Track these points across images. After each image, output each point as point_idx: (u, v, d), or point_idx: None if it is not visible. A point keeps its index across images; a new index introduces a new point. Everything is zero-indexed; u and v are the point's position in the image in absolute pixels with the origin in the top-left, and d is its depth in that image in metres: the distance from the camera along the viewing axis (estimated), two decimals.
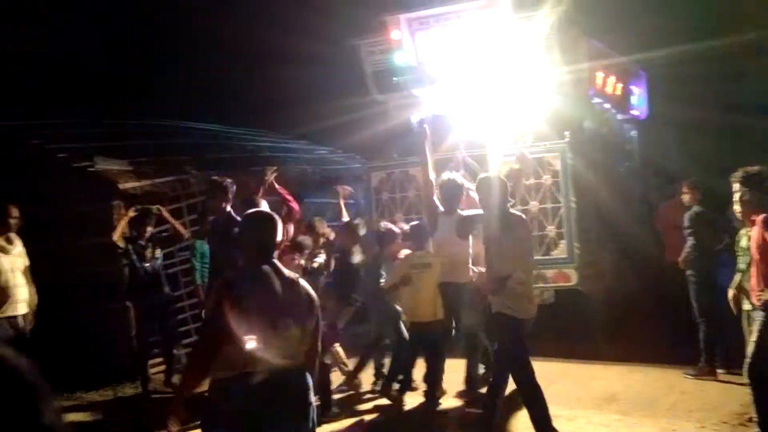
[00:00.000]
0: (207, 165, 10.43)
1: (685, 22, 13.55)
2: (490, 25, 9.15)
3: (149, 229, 8.55)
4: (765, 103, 12.65)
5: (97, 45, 13.31)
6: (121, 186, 8.92)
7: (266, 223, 3.96)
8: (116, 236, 8.36)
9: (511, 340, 5.98)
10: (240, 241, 4.07)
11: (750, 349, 5.54)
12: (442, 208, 7.12)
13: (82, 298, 8.79)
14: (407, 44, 9.78)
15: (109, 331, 8.83)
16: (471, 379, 7.62)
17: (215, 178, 7.96)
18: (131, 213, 8.52)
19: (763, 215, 5.37)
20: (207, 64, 14.42)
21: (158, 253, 8.61)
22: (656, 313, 10.10)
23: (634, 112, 11.95)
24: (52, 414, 1.34)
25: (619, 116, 11.76)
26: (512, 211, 6.31)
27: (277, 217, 4.02)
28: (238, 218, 6.27)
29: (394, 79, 10.15)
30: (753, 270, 5.59)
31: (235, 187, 7.76)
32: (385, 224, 8.37)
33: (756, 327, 5.55)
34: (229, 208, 7.59)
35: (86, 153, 9.32)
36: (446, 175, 7.36)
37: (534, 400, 5.90)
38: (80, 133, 10.30)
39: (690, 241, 7.99)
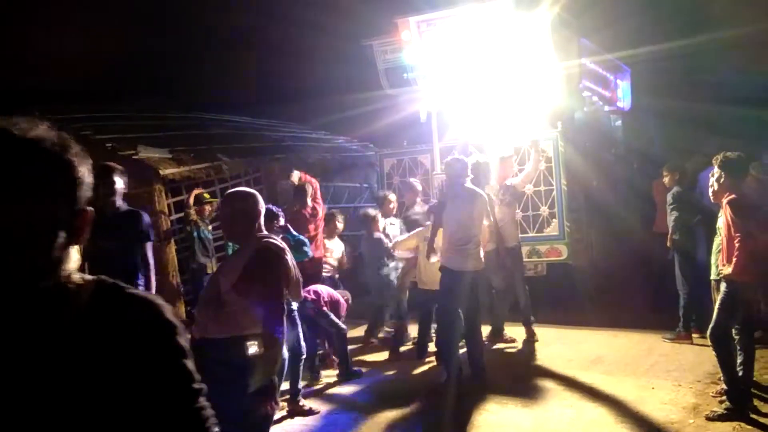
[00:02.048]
0: (237, 153, 10.48)
1: (665, 22, 13.48)
2: (491, 27, 9.12)
3: (208, 208, 9.00)
4: (735, 95, 12.59)
5: (138, 44, 13.30)
6: (162, 172, 8.97)
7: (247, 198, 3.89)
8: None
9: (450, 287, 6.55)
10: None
11: (714, 315, 5.58)
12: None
13: None
14: (416, 44, 9.75)
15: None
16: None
17: (106, 163, 5.62)
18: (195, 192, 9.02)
19: (730, 197, 5.39)
20: (237, 61, 14.41)
21: (210, 227, 9.06)
22: (638, 283, 10.14)
23: (620, 104, 11.91)
24: (182, 340, 1.48)
25: (606, 108, 11.72)
26: (471, 186, 6.77)
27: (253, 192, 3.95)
28: (139, 217, 5.51)
29: (405, 75, 10.13)
30: (722, 246, 5.63)
31: (122, 181, 5.58)
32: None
33: (719, 296, 5.59)
34: (120, 203, 5.52)
35: (130, 142, 9.36)
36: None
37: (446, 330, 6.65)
38: (125, 125, 10.35)
39: (672, 217, 8.00)
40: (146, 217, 5.55)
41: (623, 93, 11.97)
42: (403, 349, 8.11)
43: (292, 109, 13.54)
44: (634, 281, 10.31)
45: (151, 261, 5.56)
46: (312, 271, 7.76)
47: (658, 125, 13.56)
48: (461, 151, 8.52)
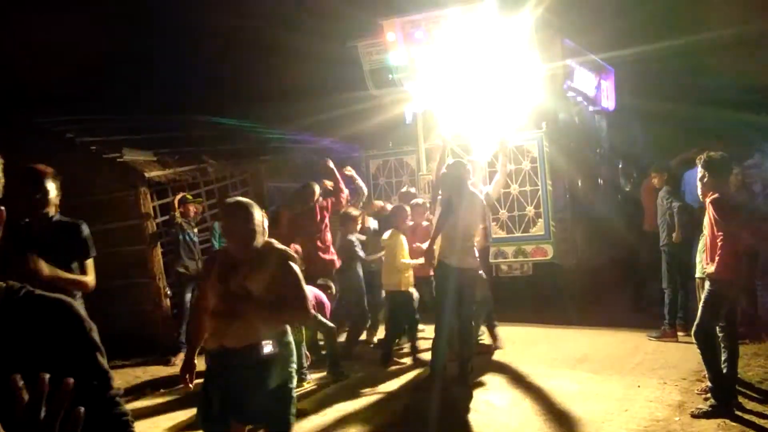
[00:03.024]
0: (223, 155, 10.45)
1: (649, 23, 13.57)
2: (475, 28, 9.14)
3: (192, 210, 8.93)
4: (717, 96, 12.71)
5: (119, 44, 13.23)
6: (147, 174, 8.92)
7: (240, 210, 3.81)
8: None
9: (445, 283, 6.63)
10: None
11: (698, 314, 5.62)
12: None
13: (114, 275, 8.81)
14: (401, 45, 9.77)
15: (139, 304, 8.88)
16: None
17: (34, 167, 4.60)
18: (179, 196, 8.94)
19: (713, 197, 5.45)
20: (221, 62, 14.37)
21: (195, 230, 9.03)
22: (624, 282, 10.22)
23: (604, 105, 11.96)
24: (94, 335, 1.52)
25: (591, 108, 11.78)
26: (473, 189, 6.85)
27: (250, 204, 3.86)
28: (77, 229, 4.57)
29: (390, 76, 10.14)
30: (705, 245, 5.69)
31: (55, 187, 4.62)
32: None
33: (703, 295, 5.65)
34: (54, 213, 4.57)
35: (115, 145, 9.31)
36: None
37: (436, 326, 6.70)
38: (109, 127, 10.29)
39: (667, 217, 8.07)
40: (86, 230, 4.65)
41: (608, 94, 12.04)
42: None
43: (278, 110, 13.51)
44: (619, 280, 10.40)
45: (90, 281, 4.63)
46: (321, 273, 7.76)
47: (643, 126, 13.66)
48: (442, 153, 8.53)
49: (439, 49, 9.57)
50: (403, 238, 7.78)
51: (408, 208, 8.09)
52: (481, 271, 7.27)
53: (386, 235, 7.91)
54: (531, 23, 9.10)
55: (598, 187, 11.29)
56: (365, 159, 11.18)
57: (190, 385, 3.96)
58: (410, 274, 7.79)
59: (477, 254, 6.86)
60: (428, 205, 8.36)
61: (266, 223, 3.97)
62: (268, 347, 3.71)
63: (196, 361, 4.01)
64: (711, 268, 5.46)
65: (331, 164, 8.46)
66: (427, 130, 10.35)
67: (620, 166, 12.03)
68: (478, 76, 9.33)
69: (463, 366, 6.74)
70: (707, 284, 5.59)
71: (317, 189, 8.10)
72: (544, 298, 9.43)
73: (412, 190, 9.26)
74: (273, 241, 3.97)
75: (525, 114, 9.56)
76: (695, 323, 5.61)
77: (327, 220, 8.20)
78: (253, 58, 14.65)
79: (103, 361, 1.52)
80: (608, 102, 12.07)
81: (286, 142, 12.71)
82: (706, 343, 5.53)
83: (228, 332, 3.74)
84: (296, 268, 3.86)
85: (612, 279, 10.42)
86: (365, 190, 8.99)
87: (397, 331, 7.91)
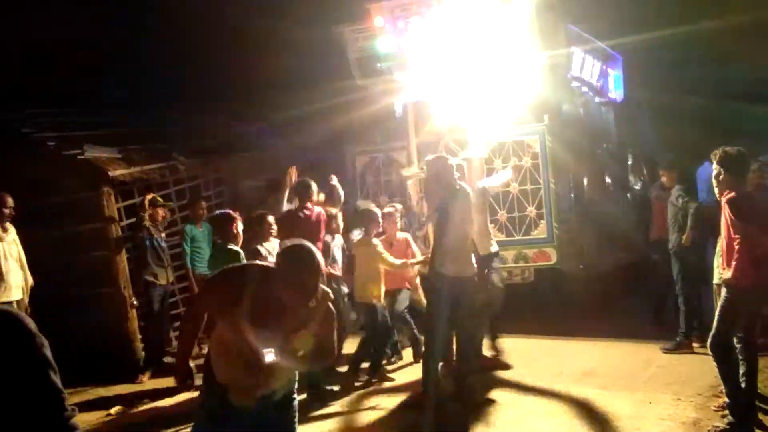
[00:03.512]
0: (195, 151, 10.42)
1: (661, 7, 13.60)
2: (470, 12, 9.15)
3: (161, 213, 8.96)
4: (737, 88, 12.77)
5: (79, 31, 13.16)
6: (111, 173, 8.88)
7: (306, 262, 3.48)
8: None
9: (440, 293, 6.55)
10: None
11: (714, 324, 5.63)
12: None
13: (76, 284, 8.78)
14: (390, 31, 9.77)
15: (104, 315, 8.84)
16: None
17: None
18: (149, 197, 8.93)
19: (729, 196, 5.45)
20: (189, 51, 14.30)
21: (164, 235, 9.06)
22: (634, 289, 10.25)
23: (611, 96, 11.98)
24: (46, 351, 1.55)
25: (597, 99, 11.80)
26: (463, 185, 6.83)
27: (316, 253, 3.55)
28: None
29: (378, 64, 10.13)
30: (721, 248, 5.69)
31: None
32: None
33: (719, 303, 5.65)
34: None
35: (76, 141, 9.26)
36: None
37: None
38: (69, 122, 10.25)
39: (676, 219, 8.08)
40: None
41: (615, 84, 12.06)
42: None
43: (255, 103, 13.47)
44: (629, 287, 10.43)
45: None
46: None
47: (653, 119, 13.71)
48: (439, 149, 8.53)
49: (432, 35, 9.56)
50: (377, 242, 7.81)
51: (379, 213, 8.09)
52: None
53: (355, 237, 7.95)
54: (531, 7, 9.12)
55: (606, 186, 11.32)
56: (351, 155, 11.19)
57: (193, 385, 3.93)
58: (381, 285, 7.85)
59: (474, 260, 6.84)
60: (419, 207, 8.36)
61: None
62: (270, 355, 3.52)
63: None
64: (727, 274, 5.47)
65: (294, 174, 8.31)
66: (419, 123, 10.36)
67: (629, 162, 12.08)
68: (475, 65, 9.32)
69: (460, 382, 6.74)
70: (723, 291, 5.59)
71: (313, 187, 8.08)
72: (547, 307, 9.45)
73: (391, 208, 8.95)
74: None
75: (525, 106, 9.58)
76: (711, 334, 5.62)
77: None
78: (228, 46, 14.60)
79: (56, 379, 1.52)
80: (616, 93, 12.10)
81: (265, 137, 12.69)
82: (723, 356, 5.55)
83: (247, 383, 3.60)
84: (333, 309, 3.74)
85: (621, 286, 10.46)
86: (341, 196, 8.88)
87: (377, 345, 7.92)
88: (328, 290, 3.75)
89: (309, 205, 7.91)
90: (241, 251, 6.48)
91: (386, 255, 7.71)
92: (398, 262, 7.72)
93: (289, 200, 8.02)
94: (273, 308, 3.45)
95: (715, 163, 5.56)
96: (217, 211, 7.48)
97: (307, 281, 3.43)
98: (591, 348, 8.41)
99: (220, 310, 3.62)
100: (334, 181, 8.78)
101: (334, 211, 8.41)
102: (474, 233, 7.22)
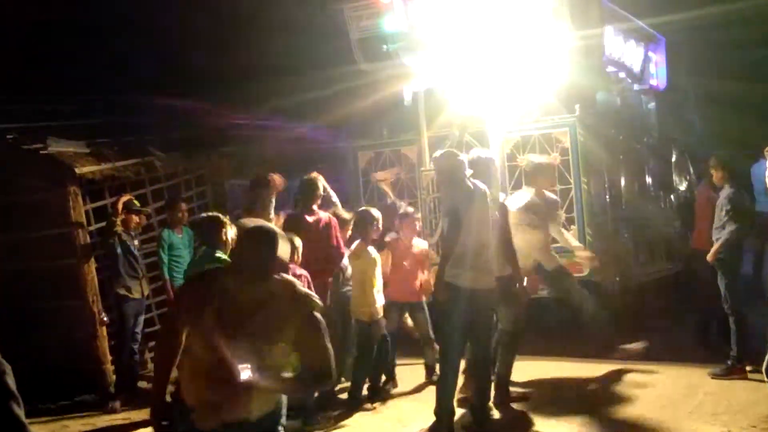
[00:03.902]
0: (174, 146, 10.44)
1: None
2: None
3: (136, 219, 8.94)
4: None
5: (43, 6, 13.23)
6: (78, 170, 8.91)
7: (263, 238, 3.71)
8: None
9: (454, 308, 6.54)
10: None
11: None
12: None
13: (38, 297, 8.80)
14: (398, 7, 9.80)
15: (69, 333, 8.85)
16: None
17: None
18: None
19: None
20: (173, 32, 14.36)
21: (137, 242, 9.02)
22: (678, 306, 10.23)
23: (653, 83, 11.98)
24: (9, 380, 1.51)
25: (636, 87, 11.81)
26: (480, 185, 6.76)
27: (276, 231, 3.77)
28: None
29: (384, 46, 10.16)
30: None
31: None
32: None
33: None
34: None
35: (38, 133, 9.30)
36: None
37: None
38: (31, 111, 10.28)
39: (727, 227, 8.04)
40: None
41: (657, 69, 12.07)
42: None
43: (243, 90, 13.51)
44: (672, 303, 10.42)
45: None
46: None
47: (701, 110, 13.71)
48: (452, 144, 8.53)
49: (446, 12, 9.61)
50: (372, 252, 7.87)
51: (377, 215, 8.10)
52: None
53: (352, 248, 7.99)
54: None
55: (646, 186, 11.32)
56: (353, 150, 11.20)
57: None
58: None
59: (494, 271, 6.83)
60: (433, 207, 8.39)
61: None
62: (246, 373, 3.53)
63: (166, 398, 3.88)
64: None
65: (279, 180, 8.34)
66: (432, 114, 10.37)
67: (673, 159, 12.08)
68: (495, 47, 9.35)
69: (479, 410, 6.73)
70: None
71: (320, 184, 8.09)
72: (579, 325, 9.45)
73: (410, 209, 9.00)
74: (293, 280, 3.84)
75: (553, 94, 9.60)
76: (767, 357, 5.62)
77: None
78: (213, 26, 14.67)
79: (19, 411, 1.53)
80: (658, 79, 12.11)
81: (254, 130, 12.72)
82: None
83: (224, 403, 3.60)
84: (321, 320, 3.73)
85: (663, 300, 10.45)
86: (336, 200, 8.90)
87: (367, 368, 7.96)
88: (314, 296, 3.79)
89: (314, 208, 7.94)
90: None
91: (375, 272, 7.81)
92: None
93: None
94: (244, 311, 3.58)
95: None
96: (202, 215, 7.50)
97: (257, 254, 3.61)
98: (629, 372, 8.40)
99: (190, 320, 3.68)
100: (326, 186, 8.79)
101: (347, 215, 8.44)
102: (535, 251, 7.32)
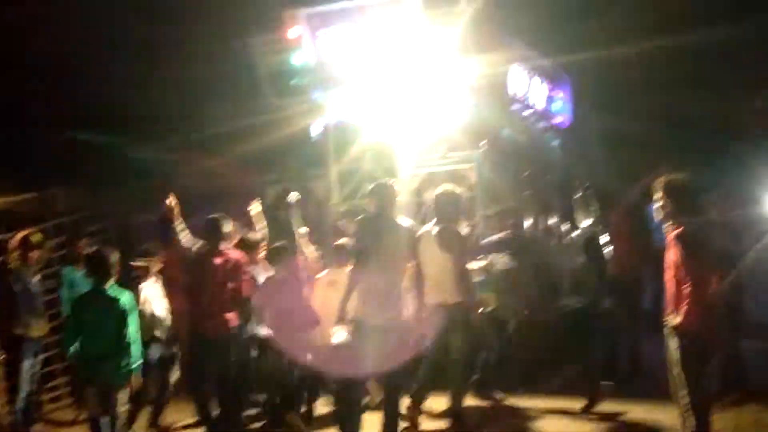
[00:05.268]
0: (76, 179, 10.27)
1: (614, 22, 13.96)
2: (399, 23, 9.30)
3: (36, 255, 8.56)
4: (694, 113, 13.20)
5: None
6: None
7: None
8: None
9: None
10: None
11: (680, 382, 5.59)
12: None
13: None
14: (307, 43, 9.87)
15: None
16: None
17: None
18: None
19: (677, 231, 5.60)
20: (73, 58, 14.14)
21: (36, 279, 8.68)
22: (582, 339, 10.38)
23: (557, 120, 12.22)
24: None
25: (541, 124, 12.03)
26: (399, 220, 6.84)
27: None
28: None
29: (293, 81, 10.19)
30: (668, 289, 5.77)
31: None
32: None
33: (674, 357, 5.62)
34: None
35: None
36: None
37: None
38: None
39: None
40: None
41: (561, 107, 12.32)
42: None
43: (150, 123, 13.37)
44: (577, 338, 10.57)
45: None
46: None
47: (604, 147, 14.02)
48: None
49: (355, 48, 9.70)
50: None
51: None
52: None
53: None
54: (468, 19, 9.31)
55: (551, 222, 11.51)
56: (262, 185, 11.15)
57: None
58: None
59: (404, 307, 6.87)
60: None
61: None
62: None
63: None
64: (677, 320, 5.55)
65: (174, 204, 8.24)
66: (340, 148, 10.40)
67: (577, 195, 12.29)
68: (402, 83, 9.47)
69: None
70: (672, 341, 5.62)
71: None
72: (483, 362, 9.50)
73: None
74: None
75: (459, 130, 9.72)
76: (683, 395, 5.60)
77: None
78: (121, 60, 14.50)
79: None
80: (562, 117, 12.35)
81: (161, 164, 12.59)
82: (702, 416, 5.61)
83: None
84: None
85: (570, 337, 10.59)
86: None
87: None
88: None
89: (223, 247, 7.79)
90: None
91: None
92: None
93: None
94: None
95: (660, 192, 5.70)
96: (89, 249, 7.48)
97: None
98: (531, 407, 8.47)
99: None
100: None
101: (256, 237, 8.39)
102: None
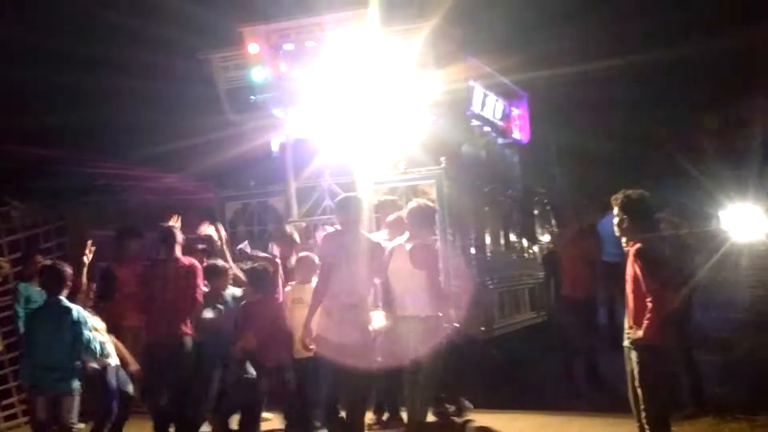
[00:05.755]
0: (32, 195, 10.15)
1: (571, 41, 14.17)
2: (358, 39, 9.33)
3: None
4: (650, 130, 13.42)
5: None
6: None
7: None
8: None
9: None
10: None
11: (640, 396, 5.69)
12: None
13: None
14: (266, 59, 9.86)
15: None
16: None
17: None
18: None
19: (636, 246, 5.68)
20: (30, 74, 14.01)
21: None
22: (542, 354, 10.48)
23: (516, 137, 12.33)
24: None
25: (500, 140, 12.13)
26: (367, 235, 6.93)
27: None
28: None
29: (252, 97, 10.17)
30: (628, 304, 5.84)
31: None
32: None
33: (635, 370, 5.70)
34: None
35: None
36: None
37: None
38: None
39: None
40: None
41: (520, 123, 12.43)
42: None
43: (107, 138, 13.29)
44: (536, 352, 10.67)
45: None
46: None
47: (561, 162, 14.18)
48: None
49: (314, 64, 9.71)
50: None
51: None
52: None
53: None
54: (426, 36, 9.37)
55: (511, 238, 11.61)
56: (220, 201, 11.09)
57: None
58: None
59: (363, 325, 6.89)
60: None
61: None
62: None
63: None
64: (638, 334, 5.62)
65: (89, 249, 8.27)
66: (300, 165, 10.38)
67: (536, 211, 12.43)
68: (362, 99, 9.50)
69: None
70: (633, 355, 5.71)
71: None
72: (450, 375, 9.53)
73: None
74: None
75: (419, 146, 9.75)
76: (647, 410, 5.66)
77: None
78: (78, 75, 14.38)
79: None
80: (521, 134, 12.47)
81: (119, 180, 12.49)
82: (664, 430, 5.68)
83: None
84: None
85: (527, 350, 10.68)
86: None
87: None
88: None
89: (177, 254, 7.84)
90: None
91: None
92: None
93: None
94: None
95: (617, 208, 5.79)
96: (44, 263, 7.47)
97: None
98: (496, 421, 8.49)
99: None
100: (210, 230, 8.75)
101: (223, 264, 8.34)
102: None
